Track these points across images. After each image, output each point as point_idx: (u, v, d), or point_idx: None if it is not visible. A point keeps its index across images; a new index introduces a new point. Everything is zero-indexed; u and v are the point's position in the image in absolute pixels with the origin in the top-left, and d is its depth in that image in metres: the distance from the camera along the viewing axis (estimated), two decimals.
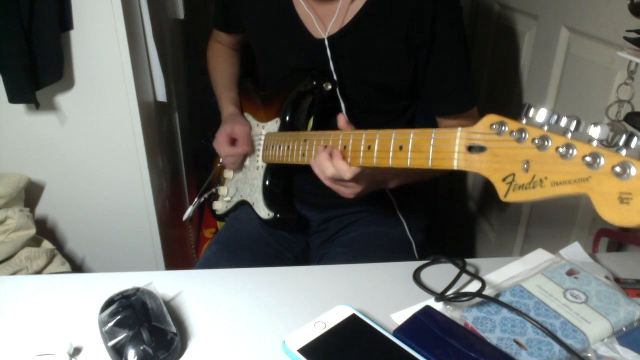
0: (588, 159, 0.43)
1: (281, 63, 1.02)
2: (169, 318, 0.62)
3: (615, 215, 0.41)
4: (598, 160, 0.42)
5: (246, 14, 1.04)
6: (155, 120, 1.29)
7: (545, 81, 1.18)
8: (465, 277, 0.73)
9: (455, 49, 0.93)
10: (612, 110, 0.91)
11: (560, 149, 0.45)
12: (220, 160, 1.12)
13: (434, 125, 1.01)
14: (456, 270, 0.74)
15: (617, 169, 0.41)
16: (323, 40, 0.92)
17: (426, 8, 0.88)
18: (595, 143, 0.43)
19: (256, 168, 1.04)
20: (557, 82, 1.15)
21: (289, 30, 0.96)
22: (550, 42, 1.16)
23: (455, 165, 0.56)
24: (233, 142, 1.06)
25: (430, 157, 0.59)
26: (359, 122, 0.95)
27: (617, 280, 0.73)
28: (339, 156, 0.73)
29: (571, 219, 1.11)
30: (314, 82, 0.93)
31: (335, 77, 0.93)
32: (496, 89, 1.51)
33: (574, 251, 0.78)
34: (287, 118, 0.98)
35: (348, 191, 0.80)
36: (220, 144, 1.05)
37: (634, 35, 0.78)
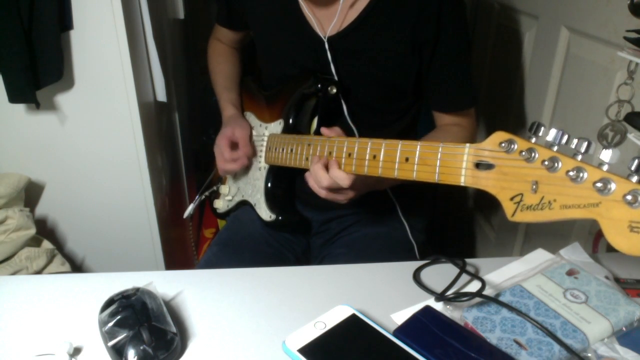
0: (599, 184, 0.42)
1: (285, 60, 1.01)
2: (169, 318, 0.62)
3: (625, 243, 0.41)
4: (609, 186, 0.42)
5: (250, 10, 1.04)
6: (155, 120, 1.28)
7: (545, 81, 1.18)
8: (465, 277, 0.73)
9: (459, 45, 0.93)
10: (612, 110, 0.91)
11: (571, 172, 0.44)
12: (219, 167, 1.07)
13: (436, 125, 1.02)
14: (456, 270, 0.74)
15: (629, 197, 0.40)
16: (324, 40, 0.92)
17: (431, 5, 0.88)
18: (605, 167, 0.43)
19: (258, 169, 1.04)
20: (557, 82, 1.15)
21: (293, 26, 0.96)
22: (550, 42, 1.16)
23: (463, 181, 0.56)
24: (234, 146, 1.03)
25: (437, 171, 0.59)
26: (363, 122, 0.95)
27: (617, 280, 0.73)
28: (336, 165, 0.74)
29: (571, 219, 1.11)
30: (319, 85, 0.93)
31: (335, 77, 0.93)
32: (496, 89, 1.50)
33: (574, 251, 0.78)
34: (291, 120, 0.97)
35: (342, 197, 0.81)
36: (222, 148, 1.02)
37: (634, 35, 0.78)
